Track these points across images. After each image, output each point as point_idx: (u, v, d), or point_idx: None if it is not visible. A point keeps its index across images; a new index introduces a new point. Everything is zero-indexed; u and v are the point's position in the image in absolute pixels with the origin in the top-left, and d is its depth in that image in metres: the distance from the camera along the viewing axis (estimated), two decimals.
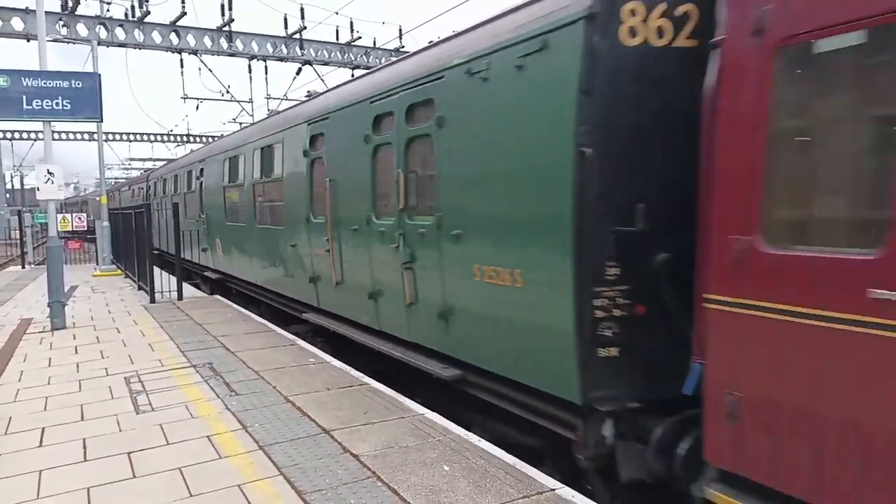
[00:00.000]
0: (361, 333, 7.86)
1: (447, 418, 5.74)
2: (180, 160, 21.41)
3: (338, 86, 9.37)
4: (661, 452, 4.30)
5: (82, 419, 5.86)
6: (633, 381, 4.49)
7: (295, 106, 11.12)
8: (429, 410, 5.91)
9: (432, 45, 6.81)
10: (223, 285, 14.77)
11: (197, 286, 16.07)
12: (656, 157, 4.34)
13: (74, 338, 9.58)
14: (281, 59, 22.86)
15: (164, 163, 30.58)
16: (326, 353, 8.41)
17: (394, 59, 8.58)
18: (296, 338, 9.24)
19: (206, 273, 15.54)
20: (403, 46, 24.17)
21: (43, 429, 5.60)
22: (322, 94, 10.00)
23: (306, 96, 11.86)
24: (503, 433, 5.81)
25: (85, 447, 5.15)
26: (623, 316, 4.44)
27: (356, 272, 7.83)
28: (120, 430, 5.52)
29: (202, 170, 15.61)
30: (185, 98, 25.67)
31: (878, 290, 2.83)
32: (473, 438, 5.16)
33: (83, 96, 10.29)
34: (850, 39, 3.10)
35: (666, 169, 4.30)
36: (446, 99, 5.89)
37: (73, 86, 10.31)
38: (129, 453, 4.98)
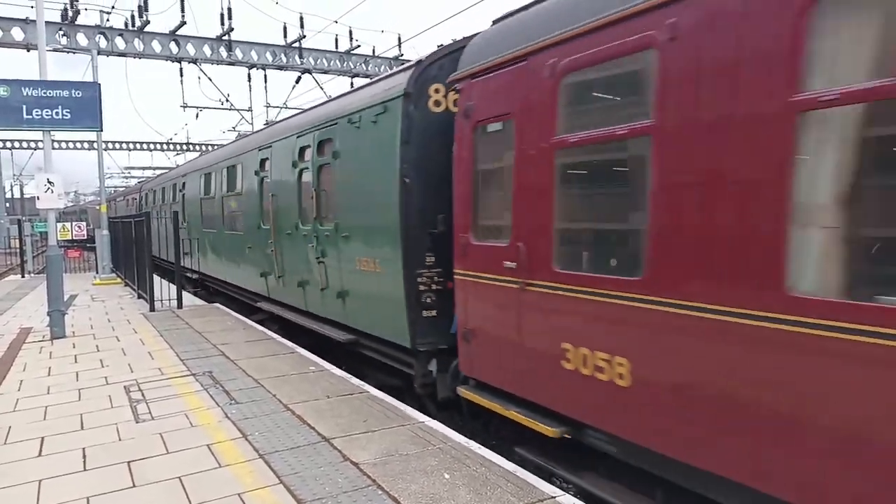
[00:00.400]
0: (296, 315, 10.20)
1: (351, 373, 7.70)
2: (167, 174, 24.37)
3: (280, 120, 12.33)
4: (454, 377, 6.51)
5: (82, 428, 5.85)
6: (444, 332, 6.59)
7: (253, 133, 14.04)
8: (429, 418, 5.91)
9: (335, 98, 9.53)
10: (203, 284, 17.36)
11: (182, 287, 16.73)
12: (447, 184, 6.20)
13: (74, 347, 9.58)
14: (280, 68, 22.92)
15: (157, 175, 32.35)
16: (279, 335, 10.24)
17: (315, 104, 11.08)
18: (295, 346, 9.24)
19: (186, 273, 17.31)
20: (402, 55, 24.25)
21: (42, 438, 5.59)
22: (270, 126, 12.94)
23: (264, 125, 15.49)
24: (382, 380, 7.87)
25: (85, 456, 5.14)
26: (438, 289, 6.77)
27: (290, 267, 10.25)
28: (120, 439, 5.52)
29: (184, 184, 18.25)
30: (184, 106, 25.68)
31: (507, 262, 5.29)
32: (474, 446, 5.15)
33: (83, 106, 10.32)
34: (495, 125, 5.65)
35: (450, 191, 6.15)
36: (339, 138, 8.29)
37: (73, 95, 10.34)
38: (128, 462, 4.97)
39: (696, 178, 3.73)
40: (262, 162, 11.40)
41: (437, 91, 6.71)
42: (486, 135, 5.77)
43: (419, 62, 6.87)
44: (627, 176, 4.77)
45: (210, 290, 16.78)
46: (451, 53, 6.65)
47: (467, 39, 6.36)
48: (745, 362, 3.42)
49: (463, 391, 6.06)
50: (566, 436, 4.88)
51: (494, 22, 6.02)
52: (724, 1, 3.53)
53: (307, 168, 9.33)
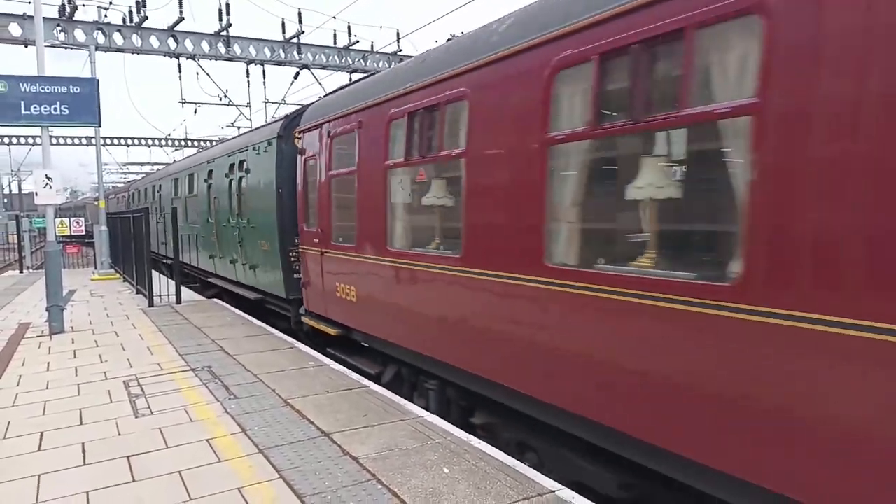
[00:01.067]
0: (230, 284, 14.33)
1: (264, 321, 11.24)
2: (149, 177, 29.00)
3: (220, 140, 18.82)
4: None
5: (81, 423, 5.85)
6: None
7: (206, 150, 19.49)
8: (428, 413, 5.92)
9: (248, 131, 15.15)
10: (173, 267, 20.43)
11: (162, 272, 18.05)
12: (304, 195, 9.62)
13: (73, 342, 9.58)
14: (279, 64, 22.89)
15: (142, 177, 37.02)
16: (230, 305, 13.37)
17: (242, 132, 16.42)
18: (294, 341, 9.25)
19: (164, 260, 18.81)
20: (401, 50, 24.21)
21: (42, 433, 5.59)
22: (218, 144, 18.59)
23: (214, 142, 22.31)
24: (278, 325, 11.07)
25: (84, 451, 5.14)
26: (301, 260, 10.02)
27: (225, 250, 14.20)
28: (119, 434, 5.52)
29: (160, 186, 22.46)
30: (182, 102, 25.68)
31: (315, 240, 8.93)
32: (473, 440, 5.16)
33: (81, 101, 10.30)
34: (311, 161, 9.22)
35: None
36: (249, 160, 12.29)
37: (72, 91, 10.32)
38: (128, 457, 4.98)
39: (490, 187, 5.28)
40: (209, 173, 15.35)
41: (295, 135, 9.83)
42: (309, 166, 9.31)
43: (286, 116, 11.04)
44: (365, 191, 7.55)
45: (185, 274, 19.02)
46: (303, 112, 10.08)
47: (306, 107, 10.29)
48: (511, 307, 5.08)
49: (303, 318, 9.89)
50: (341, 333, 8.56)
51: (321, 97, 10.27)
52: (505, 69, 5.08)
53: (234, 179, 13.35)
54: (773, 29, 3.17)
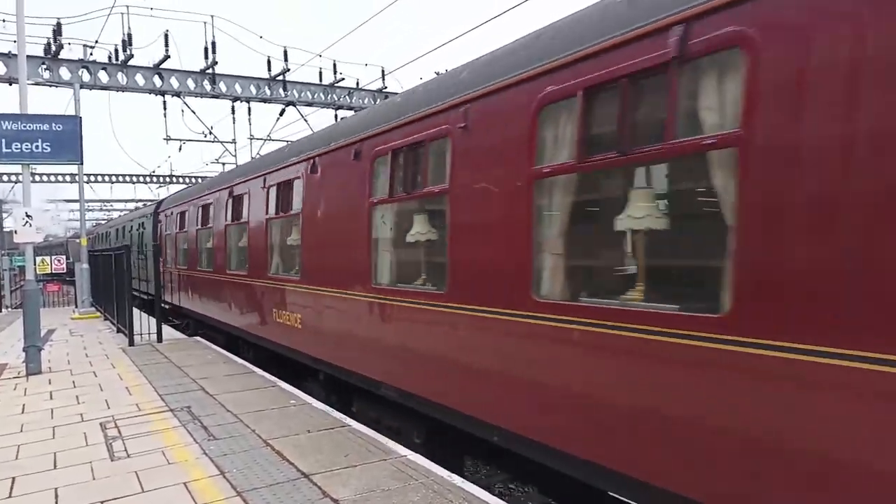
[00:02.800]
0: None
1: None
2: (111, 222, 39.51)
3: (142, 205, 36.06)
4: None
5: (55, 467, 5.70)
6: None
7: (141, 207, 33.09)
8: (412, 452, 5.83)
9: (140, 208, 33.20)
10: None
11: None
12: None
13: (50, 383, 9.38)
14: (264, 101, 23.02)
15: (105, 222, 45.32)
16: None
17: (139, 206, 35.07)
18: (277, 380, 9.12)
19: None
20: (386, 87, 24.44)
21: (13, 478, 5.43)
22: (136, 209, 33.37)
23: (146, 204, 35.23)
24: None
25: (57, 497, 5.00)
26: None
27: (143, 278, 22.39)
28: (94, 479, 5.37)
29: (117, 230, 30.89)
30: (167, 139, 25.65)
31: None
32: (457, 480, 5.07)
33: (63, 139, 10.28)
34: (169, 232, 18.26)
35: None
36: (145, 225, 22.61)
37: (54, 129, 10.31)
38: (102, 502, 4.84)
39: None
40: (132, 227, 25.55)
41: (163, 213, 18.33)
42: (168, 237, 17.87)
43: (158, 202, 21.22)
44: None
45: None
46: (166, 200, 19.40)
47: (165, 198, 20.72)
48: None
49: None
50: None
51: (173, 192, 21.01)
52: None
53: (142, 233, 23.16)
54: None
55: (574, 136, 4.30)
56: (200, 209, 13.99)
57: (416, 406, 6.16)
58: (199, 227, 14.15)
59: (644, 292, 4.17)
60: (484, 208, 5.16)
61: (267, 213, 9.95)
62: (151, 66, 20.52)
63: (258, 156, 11.36)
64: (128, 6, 19.07)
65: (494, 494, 4.99)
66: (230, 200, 11.83)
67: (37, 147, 10.16)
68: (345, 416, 7.06)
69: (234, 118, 24.71)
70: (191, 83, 21.31)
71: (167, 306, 17.53)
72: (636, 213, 4.21)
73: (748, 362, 3.22)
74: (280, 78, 22.62)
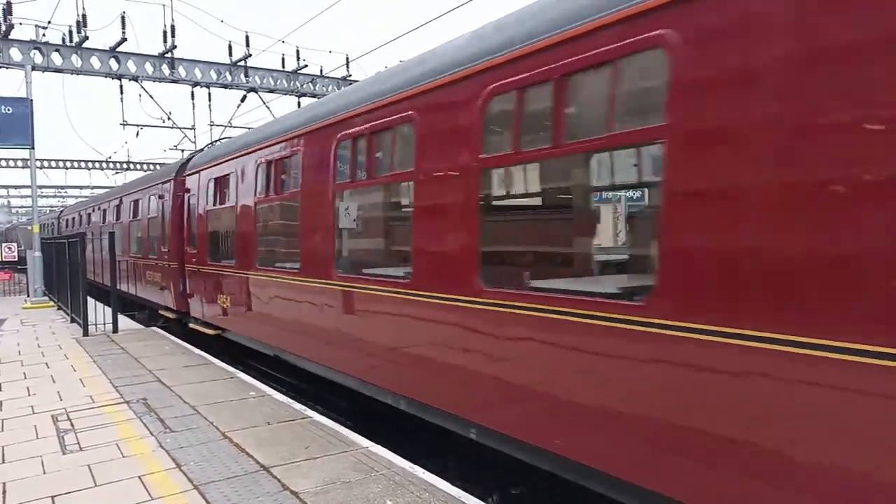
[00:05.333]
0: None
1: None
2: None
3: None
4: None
5: (3, 461, 5.51)
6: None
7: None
8: (373, 443, 5.80)
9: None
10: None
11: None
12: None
13: None
14: (225, 87, 22.60)
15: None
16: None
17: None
18: (236, 370, 8.98)
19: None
20: (350, 75, 24.19)
21: None
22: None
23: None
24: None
25: (5, 492, 4.84)
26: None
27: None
28: (44, 473, 5.22)
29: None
30: (124, 125, 25.00)
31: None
32: (419, 471, 5.06)
33: (12, 122, 9.96)
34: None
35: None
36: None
37: (3, 111, 9.96)
38: (52, 497, 4.70)
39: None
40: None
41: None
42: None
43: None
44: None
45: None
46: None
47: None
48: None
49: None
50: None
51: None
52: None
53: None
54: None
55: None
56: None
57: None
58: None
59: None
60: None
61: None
62: (107, 48, 19.93)
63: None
64: None
65: (455, 485, 4.99)
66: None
67: None
68: (306, 408, 6.99)
69: (193, 104, 24.28)
70: (149, 67, 20.78)
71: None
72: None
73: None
74: (241, 63, 22.21)
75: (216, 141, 16.67)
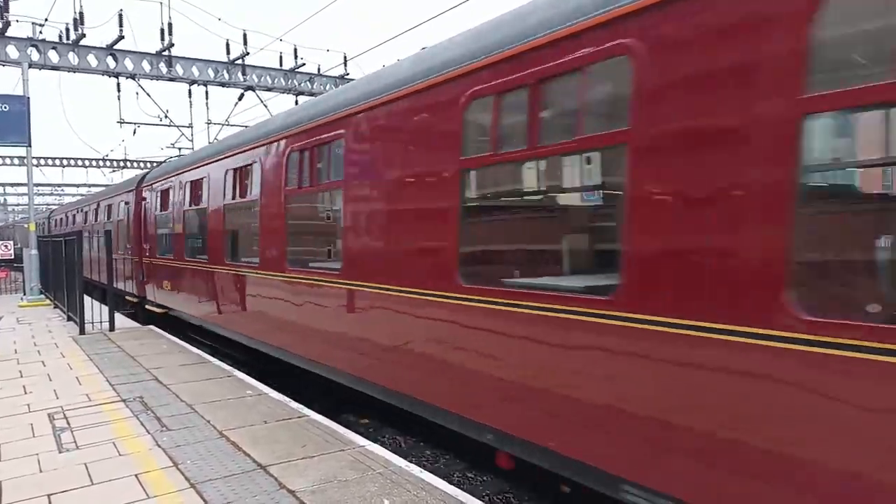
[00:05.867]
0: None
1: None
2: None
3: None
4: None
5: (0, 459, 5.52)
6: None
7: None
8: (370, 442, 5.80)
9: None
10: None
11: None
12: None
13: None
14: (222, 85, 22.56)
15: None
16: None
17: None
18: (233, 369, 8.98)
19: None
20: (348, 73, 24.17)
21: None
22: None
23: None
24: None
25: (1, 490, 4.83)
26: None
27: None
28: (41, 471, 5.21)
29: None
30: (121, 123, 24.97)
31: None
32: (415, 469, 5.07)
33: (10, 120, 9.93)
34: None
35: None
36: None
37: (0, 109, 9.92)
38: (49, 495, 4.70)
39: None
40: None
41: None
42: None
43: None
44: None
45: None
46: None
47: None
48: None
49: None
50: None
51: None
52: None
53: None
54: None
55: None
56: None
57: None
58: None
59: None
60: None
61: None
62: (105, 46, 19.89)
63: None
64: None
65: (452, 483, 5.01)
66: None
67: None
68: (302, 407, 6.99)
69: (190, 102, 24.29)
70: (146, 65, 20.74)
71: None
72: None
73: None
74: (239, 62, 22.18)
75: (175, 155, 20.77)
